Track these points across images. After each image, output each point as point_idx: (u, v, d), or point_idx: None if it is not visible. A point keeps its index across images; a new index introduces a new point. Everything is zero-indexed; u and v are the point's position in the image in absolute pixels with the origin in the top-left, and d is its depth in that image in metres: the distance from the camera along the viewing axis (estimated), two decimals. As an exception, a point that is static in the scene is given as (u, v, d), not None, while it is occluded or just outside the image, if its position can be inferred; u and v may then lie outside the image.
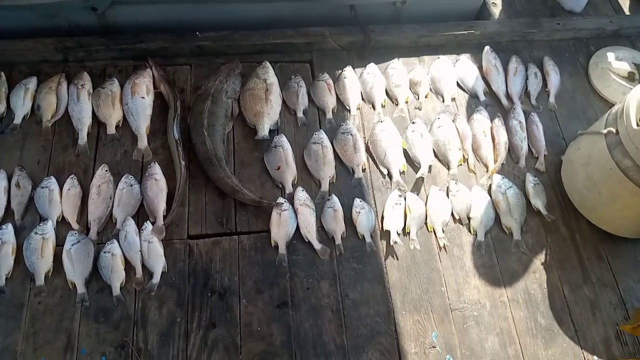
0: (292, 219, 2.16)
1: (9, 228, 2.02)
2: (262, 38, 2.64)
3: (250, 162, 2.33)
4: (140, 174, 2.23)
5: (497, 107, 2.58)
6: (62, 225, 2.09)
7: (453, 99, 2.59)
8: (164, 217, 2.11)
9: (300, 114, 2.48)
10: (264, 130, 2.37)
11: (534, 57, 2.77)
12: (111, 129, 2.35)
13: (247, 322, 1.95)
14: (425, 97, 2.59)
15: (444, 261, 2.15)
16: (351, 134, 2.38)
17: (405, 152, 2.38)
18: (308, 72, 2.64)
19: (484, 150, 2.40)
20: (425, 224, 2.22)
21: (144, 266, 2.01)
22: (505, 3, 2.97)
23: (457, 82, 2.64)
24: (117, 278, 1.97)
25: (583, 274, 2.17)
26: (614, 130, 2.02)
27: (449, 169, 2.37)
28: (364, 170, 2.35)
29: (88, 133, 2.33)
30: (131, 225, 2.07)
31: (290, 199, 2.21)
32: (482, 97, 2.59)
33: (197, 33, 2.60)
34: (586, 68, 2.77)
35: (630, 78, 2.66)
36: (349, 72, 2.59)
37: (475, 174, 2.38)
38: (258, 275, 2.04)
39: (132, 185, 2.17)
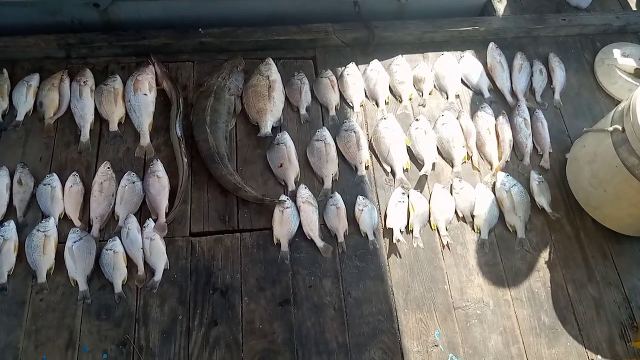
0: (295, 216, 2.15)
1: (11, 225, 2.02)
2: (265, 34, 2.62)
3: (253, 159, 2.32)
4: (143, 171, 2.23)
5: (502, 104, 2.56)
6: (64, 222, 2.09)
7: (457, 96, 2.57)
8: (166, 215, 2.10)
9: (303, 111, 2.47)
10: (266, 128, 2.36)
11: (539, 54, 2.75)
12: (113, 126, 2.34)
13: (249, 319, 1.94)
14: (429, 94, 2.57)
15: (447, 259, 2.13)
16: (354, 131, 2.36)
17: (409, 150, 2.37)
18: (311, 69, 2.63)
19: (488, 147, 2.38)
20: (429, 221, 2.21)
21: (145, 263, 2.01)
22: (511, -1, 2.95)
23: (462, 79, 2.62)
24: (119, 275, 1.97)
25: (587, 272, 2.15)
26: (620, 128, 2.00)
27: (452, 166, 2.35)
28: (367, 167, 2.33)
29: (90, 130, 2.32)
30: (133, 222, 2.06)
31: (293, 197, 2.20)
32: (486, 94, 2.57)
33: (200, 29, 2.59)
34: (592, 64, 2.74)
35: (637, 75, 2.63)
36: (352, 69, 2.58)
37: (479, 171, 2.36)
38: (260, 272, 2.04)
39: (134, 183, 2.16)
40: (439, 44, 2.72)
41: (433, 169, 2.32)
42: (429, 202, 2.23)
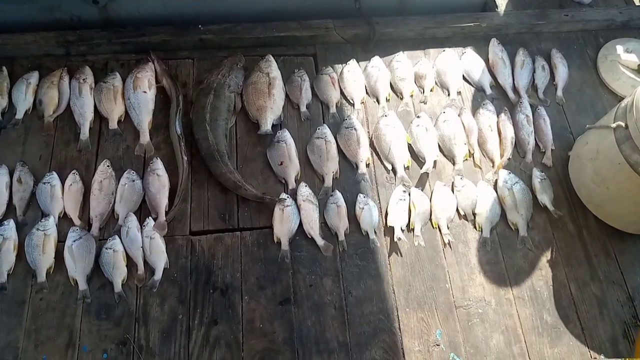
0: (295, 214, 2.13)
1: (10, 224, 2.02)
2: (265, 31, 2.60)
3: (253, 157, 2.31)
4: (143, 170, 2.22)
5: (504, 100, 2.54)
6: (64, 221, 2.08)
7: (459, 93, 2.55)
8: (166, 213, 2.09)
9: (303, 109, 2.45)
10: (266, 125, 2.35)
11: (541, 50, 2.72)
12: (113, 124, 2.33)
13: (249, 319, 1.93)
14: (431, 90, 2.55)
15: (449, 258, 2.12)
16: (355, 129, 2.35)
17: (410, 147, 2.35)
18: (312, 66, 2.61)
19: (490, 144, 2.37)
20: (430, 220, 2.20)
21: (145, 262, 2.01)
22: (513, -6, 2.92)
23: (463, 75, 2.60)
24: (118, 274, 1.96)
25: (590, 271, 2.13)
26: (623, 125, 1.98)
27: (454, 164, 2.34)
28: (367, 165, 2.32)
29: (90, 128, 2.32)
30: (133, 221, 2.05)
31: (293, 195, 2.19)
32: (488, 91, 2.55)
33: (200, 26, 2.58)
34: (595, 60, 2.72)
35: (640, 71, 2.61)
36: (353, 66, 2.56)
37: (481, 169, 2.34)
38: (260, 271, 2.03)
39: (134, 181, 2.15)
40: (440, 40, 2.70)
41: (434, 166, 2.31)
42: (431, 200, 2.22)
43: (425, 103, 2.52)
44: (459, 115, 2.43)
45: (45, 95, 2.35)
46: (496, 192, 2.25)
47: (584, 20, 2.80)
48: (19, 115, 2.32)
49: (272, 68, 2.50)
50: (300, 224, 2.13)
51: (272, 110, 2.39)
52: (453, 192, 2.25)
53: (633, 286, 2.11)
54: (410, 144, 2.35)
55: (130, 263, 2.00)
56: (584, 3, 2.94)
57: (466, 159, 2.35)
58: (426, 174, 2.28)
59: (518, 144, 2.40)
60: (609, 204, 2.16)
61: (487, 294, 2.05)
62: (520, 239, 2.17)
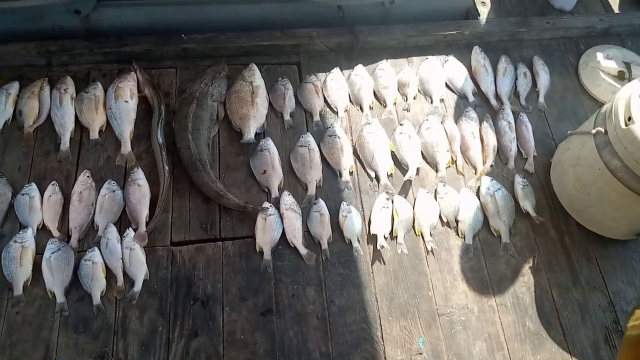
0: (278, 223, 2.12)
1: (-12, 236, 1.99)
2: (249, 40, 2.60)
3: (236, 166, 2.30)
4: (124, 180, 2.20)
5: (486, 107, 2.55)
6: (43, 232, 2.06)
7: (442, 100, 2.55)
8: (147, 224, 2.07)
9: (287, 117, 2.45)
10: (249, 134, 2.34)
11: (523, 57, 2.74)
12: (94, 134, 2.31)
13: (230, 330, 1.91)
14: (414, 98, 2.56)
15: (432, 265, 2.11)
16: (338, 137, 2.34)
17: (393, 155, 2.35)
18: (295, 74, 2.61)
19: (472, 152, 2.37)
20: (413, 227, 2.19)
21: (125, 274, 1.98)
22: (495, 2, 2.94)
23: (446, 83, 2.61)
24: (97, 287, 1.93)
25: (572, 276, 2.14)
26: (602, 130, 1.99)
27: (437, 171, 2.34)
28: (351, 173, 2.31)
29: (71, 138, 2.29)
30: (113, 232, 2.03)
31: (277, 204, 2.18)
32: (471, 98, 2.56)
33: (183, 35, 2.57)
34: (576, 67, 2.74)
35: (620, 77, 2.63)
36: (336, 74, 2.56)
37: (463, 176, 2.35)
38: (242, 282, 2.01)
39: (114, 191, 2.13)
40: (423, 48, 2.71)
41: (417, 174, 2.31)
42: (414, 208, 2.21)
43: (408, 111, 2.52)
44: (441, 123, 2.43)
45: (25, 106, 2.32)
46: (479, 199, 2.25)
47: (565, 27, 2.82)
48: (-1, 126, 2.30)
49: (256, 77, 2.49)
50: (283, 233, 2.12)
51: (255, 118, 2.39)
52: (436, 199, 2.25)
53: (614, 291, 2.11)
54: (393, 152, 2.35)
55: (110, 275, 1.97)
56: (565, 10, 2.97)
57: (449, 166, 2.35)
58: (409, 181, 2.28)
59: (500, 151, 2.41)
60: (590, 209, 2.16)
61: (469, 301, 2.05)
62: (503, 245, 2.17)
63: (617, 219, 2.10)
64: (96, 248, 2.00)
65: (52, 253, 1.96)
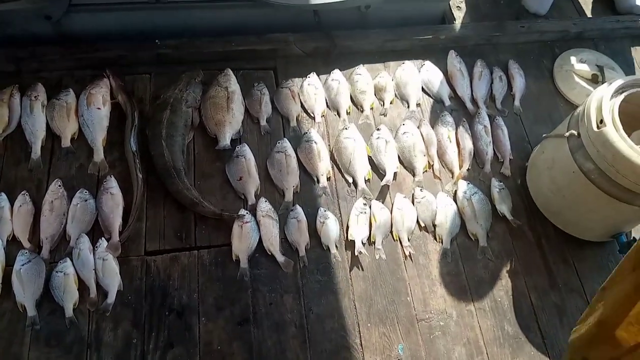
0: (255, 231, 2.10)
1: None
2: (224, 45, 2.58)
3: (212, 173, 2.27)
4: (96, 188, 2.15)
5: (463, 111, 2.56)
6: (13, 244, 2.00)
7: (418, 105, 2.56)
8: (120, 233, 2.03)
9: (263, 122, 2.43)
10: (225, 140, 2.31)
11: (499, 61, 2.76)
12: (66, 142, 2.26)
13: (207, 341, 1.88)
14: (391, 103, 2.56)
15: (410, 270, 2.11)
16: (315, 142, 2.33)
17: (371, 160, 2.34)
18: (272, 79, 2.59)
19: (449, 156, 2.38)
20: (391, 232, 2.19)
21: (98, 285, 1.93)
22: (470, 6, 2.96)
23: (423, 87, 2.61)
24: (69, 299, 1.89)
25: (549, 279, 2.15)
26: (575, 133, 2.00)
27: (414, 175, 2.34)
28: (328, 178, 2.30)
29: (42, 146, 2.24)
30: (85, 242, 1.98)
31: (253, 210, 2.15)
32: (447, 102, 2.57)
33: (157, 41, 2.53)
34: (551, 71, 2.77)
35: (594, 80, 2.67)
36: (313, 79, 2.55)
37: (440, 180, 2.35)
38: (218, 291, 1.98)
39: (86, 201, 2.09)
40: (400, 52, 2.71)
41: (395, 178, 2.30)
42: (391, 212, 2.21)
43: (385, 115, 2.52)
44: (418, 127, 2.43)
45: (-6, 114, 2.27)
46: (456, 202, 2.26)
47: (540, 31, 2.85)
48: (-34, 135, 2.23)
49: (231, 82, 2.47)
50: (260, 241, 2.09)
51: (230, 124, 2.36)
52: (413, 203, 2.24)
53: (591, 293, 2.12)
54: (370, 157, 2.35)
55: (82, 286, 1.92)
56: (539, 15, 3.00)
57: (426, 170, 2.36)
58: (387, 186, 2.28)
59: (477, 155, 2.42)
60: (566, 212, 2.18)
61: (448, 306, 2.05)
62: (481, 249, 2.18)
63: (592, 221, 2.12)
64: (68, 259, 1.95)
65: (23, 265, 1.90)
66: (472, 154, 2.40)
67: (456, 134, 2.44)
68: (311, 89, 2.51)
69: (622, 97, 1.93)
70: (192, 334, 1.88)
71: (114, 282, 1.93)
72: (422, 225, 2.21)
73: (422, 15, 2.85)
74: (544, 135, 2.30)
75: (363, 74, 2.59)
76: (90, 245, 1.98)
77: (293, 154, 2.30)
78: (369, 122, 2.48)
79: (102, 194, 2.10)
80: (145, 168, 2.19)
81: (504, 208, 2.25)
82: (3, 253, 1.95)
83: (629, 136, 1.85)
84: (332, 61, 2.63)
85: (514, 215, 2.25)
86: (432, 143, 2.40)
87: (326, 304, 2.00)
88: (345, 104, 2.51)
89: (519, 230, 2.24)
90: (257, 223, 2.12)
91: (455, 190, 2.29)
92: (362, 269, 2.09)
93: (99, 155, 2.23)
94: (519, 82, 2.66)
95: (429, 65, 2.66)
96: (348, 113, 2.50)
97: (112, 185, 2.12)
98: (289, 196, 2.23)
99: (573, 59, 2.73)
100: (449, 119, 2.47)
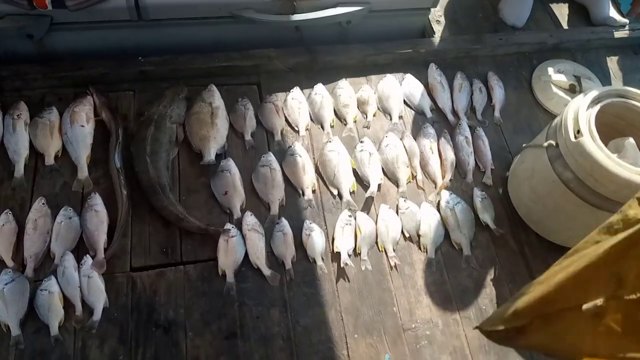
0: (241, 245, 2.10)
1: None
2: (207, 61, 2.60)
3: (197, 188, 2.28)
4: (81, 206, 2.15)
5: (444, 123, 2.60)
6: (-5, 263, 1.99)
7: (400, 117, 2.59)
8: (105, 250, 2.02)
9: (248, 137, 2.44)
10: (209, 155, 2.32)
11: (478, 73, 2.81)
12: (50, 160, 2.26)
13: (194, 356, 1.87)
14: (374, 115, 2.59)
15: (396, 281, 2.13)
16: (300, 155, 2.35)
17: (355, 172, 2.37)
18: (256, 94, 2.61)
19: (431, 167, 2.41)
20: (376, 243, 2.20)
21: (84, 303, 1.92)
22: (449, 20, 3.02)
23: (404, 100, 2.65)
24: (54, 317, 1.87)
25: (533, 286, 2.18)
26: (554, 143, 2.05)
27: (398, 186, 2.36)
28: (314, 191, 2.32)
29: (25, 165, 2.23)
30: (69, 260, 1.97)
31: (239, 225, 2.16)
32: (428, 114, 2.61)
33: (140, 58, 2.55)
34: (530, 81, 2.83)
35: (572, 90, 2.73)
36: (296, 93, 2.58)
37: (424, 190, 2.38)
38: (205, 306, 1.98)
39: (70, 218, 2.08)
40: (381, 66, 2.76)
41: (379, 190, 2.33)
42: (376, 224, 2.23)
43: (368, 128, 2.55)
44: (401, 139, 2.47)
45: (-24, 134, 2.26)
46: (439, 212, 2.29)
47: (518, 43, 2.92)
48: (-52, 154, 2.22)
49: (215, 97, 2.49)
50: (246, 255, 2.10)
51: (215, 139, 2.38)
52: (397, 214, 2.27)
53: (573, 299, 2.15)
54: (355, 169, 2.37)
55: (68, 304, 1.91)
56: (517, 27, 3.07)
57: (409, 182, 2.39)
58: (371, 197, 2.30)
59: (459, 165, 2.46)
60: (547, 220, 2.22)
61: (434, 315, 2.06)
62: (465, 258, 2.20)
63: (573, 229, 2.16)
64: (53, 277, 1.94)
65: (6, 284, 1.89)
66: (454, 164, 2.44)
67: (438, 145, 2.48)
68: (295, 103, 2.54)
69: (598, 107, 1.98)
70: (179, 350, 1.88)
71: (99, 299, 1.92)
72: (407, 235, 2.23)
73: (402, 30, 2.90)
74: (523, 145, 2.34)
75: (345, 87, 2.63)
76: (75, 262, 1.97)
77: (278, 168, 2.32)
78: (352, 135, 2.51)
79: (87, 211, 2.09)
80: (130, 184, 2.19)
81: (486, 217, 2.28)
82: (-14, 273, 1.93)
83: (605, 145, 1.90)
84: (314, 75, 2.66)
85: (497, 224, 2.28)
86: (415, 154, 2.43)
87: (313, 316, 2.01)
88: (328, 117, 2.54)
89: (502, 239, 2.27)
90: (243, 237, 2.12)
91: (439, 201, 2.32)
92: (349, 281, 2.10)
93: (83, 172, 2.23)
94: (499, 93, 2.71)
95: (410, 78, 2.71)
96: (332, 126, 2.53)
97: (97, 202, 2.11)
98: (275, 209, 2.24)
99: (550, 70, 2.80)
100: (431, 130, 2.51)
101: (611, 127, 2.10)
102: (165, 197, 2.14)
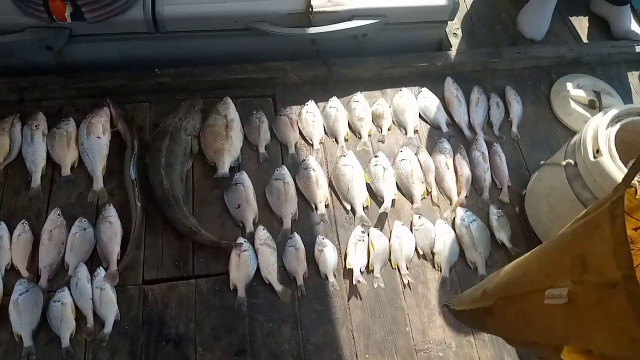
0: (252, 259, 2.09)
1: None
2: (223, 74, 2.61)
3: (210, 200, 2.28)
4: (95, 217, 2.16)
5: (460, 138, 2.57)
6: (11, 273, 2.00)
7: (416, 131, 2.57)
8: (118, 262, 2.03)
9: (262, 150, 2.44)
10: (223, 168, 2.33)
11: (496, 87, 2.78)
12: (66, 171, 2.28)
13: (204, 372, 1.87)
14: (388, 129, 2.57)
15: (409, 299, 2.10)
16: (313, 169, 2.34)
17: (369, 187, 2.35)
18: (270, 107, 2.61)
19: (447, 183, 2.38)
20: (389, 260, 2.18)
21: (95, 315, 1.93)
22: (467, 33, 2.99)
23: (420, 114, 2.63)
24: (66, 329, 1.88)
25: (549, 307, 2.13)
26: (572, 162, 2.01)
27: (412, 202, 2.34)
28: (327, 206, 2.30)
29: (42, 175, 2.26)
30: (83, 271, 1.99)
31: (251, 239, 2.15)
32: (444, 129, 2.58)
33: (156, 70, 2.57)
34: (548, 96, 2.78)
35: (591, 106, 2.68)
36: (311, 107, 2.57)
37: (439, 207, 2.35)
38: (216, 321, 1.97)
39: (85, 229, 2.09)
40: (397, 79, 2.74)
41: (393, 205, 2.31)
42: (389, 240, 2.20)
43: (383, 142, 2.53)
44: (416, 154, 2.44)
45: (-5, 143, 2.29)
46: (454, 230, 2.25)
47: (536, 57, 2.87)
48: (-33, 165, 2.26)
49: (230, 110, 2.49)
50: (258, 269, 2.09)
51: (229, 152, 2.38)
52: (412, 231, 2.24)
53: (591, 322, 2.10)
54: (368, 184, 2.35)
55: (79, 316, 1.92)
56: (535, 40, 3.02)
57: (424, 198, 2.36)
58: (385, 213, 2.28)
59: (475, 181, 2.42)
60: (564, 240, 2.17)
61: (447, 336, 2.03)
62: (479, 277, 2.16)
63: (591, 249, 2.11)
64: (66, 288, 1.95)
65: (20, 294, 1.90)
66: (470, 180, 2.41)
67: (454, 160, 2.44)
68: (309, 117, 2.53)
69: (617, 126, 1.93)
70: (189, 365, 1.87)
71: (111, 311, 1.93)
72: (421, 253, 2.20)
73: (418, 43, 2.88)
74: (541, 162, 2.30)
75: (361, 101, 2.61)
76: (88, 274, 1.99)
77: (291, 182, 2.31)
78: (367, 149, 2.50)
79: (101, 222, 2.11)
80: (144, 196, 2.20)
81: (502, 235, 2.24)
82: (1, 282, 1.96)
83: (625, 165, 1.85)
84: (330, 89, 2.65)
85: (513, 243, 2.24)
86: (430, 170, 2.40)
87: (324, 334, 1.99)
88: (343, 131, 2.52)
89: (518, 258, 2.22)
90: (255, 251, 2.12)
91: (454, 218, 2.29)
92: (361, 298, 2.08)
93: (99, 183, 2.25)
94: (516, 108, 2.67)
95: (426, 92, 2.68)
96: (346, 140, 2.52)
97: (111, 214, 2.13)
98: (287, 224, 2.23)
99: (570, 85, 2.75)
100: (447, 145, 2.48)
101: (632, 146, 2.05)
102: (179, 209, 2.14)
